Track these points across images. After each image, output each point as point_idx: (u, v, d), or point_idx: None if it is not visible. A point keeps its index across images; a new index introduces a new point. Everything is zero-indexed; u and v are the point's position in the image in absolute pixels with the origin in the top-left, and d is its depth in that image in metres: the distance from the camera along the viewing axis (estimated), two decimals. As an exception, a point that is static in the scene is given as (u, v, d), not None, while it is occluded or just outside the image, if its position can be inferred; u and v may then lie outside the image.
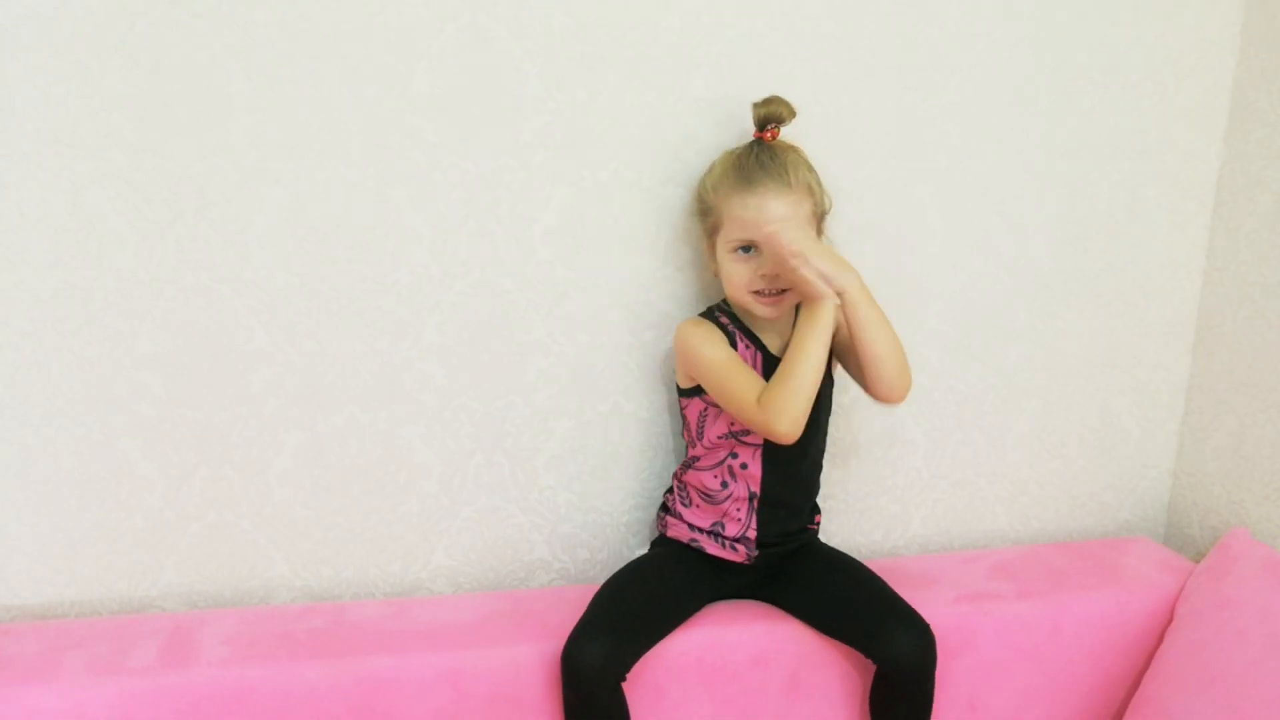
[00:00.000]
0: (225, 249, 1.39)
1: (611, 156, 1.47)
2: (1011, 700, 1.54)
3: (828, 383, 1.45)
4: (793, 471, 1.45)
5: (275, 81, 1.36)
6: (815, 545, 1.53)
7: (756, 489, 1.44)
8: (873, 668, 1.43)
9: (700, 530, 1.47)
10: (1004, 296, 1.68)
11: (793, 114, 1.40)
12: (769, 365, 1.42)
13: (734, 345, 1.42)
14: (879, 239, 1.60)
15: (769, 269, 1.35)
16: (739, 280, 1.38)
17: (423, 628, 1.41)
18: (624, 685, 1.33)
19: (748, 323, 1.44)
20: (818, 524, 1.54)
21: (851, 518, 1.69)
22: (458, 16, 1.39)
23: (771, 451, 1.42)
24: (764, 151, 1.38)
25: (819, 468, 1.51)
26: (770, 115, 1.39)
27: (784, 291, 1.38)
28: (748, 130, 1.48)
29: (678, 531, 1.49)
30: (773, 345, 1.44)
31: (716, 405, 1.42)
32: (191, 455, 1.45)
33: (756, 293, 1.38)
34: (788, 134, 1.42)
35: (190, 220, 1.38)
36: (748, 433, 1.42)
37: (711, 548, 1.46)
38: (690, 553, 1.48)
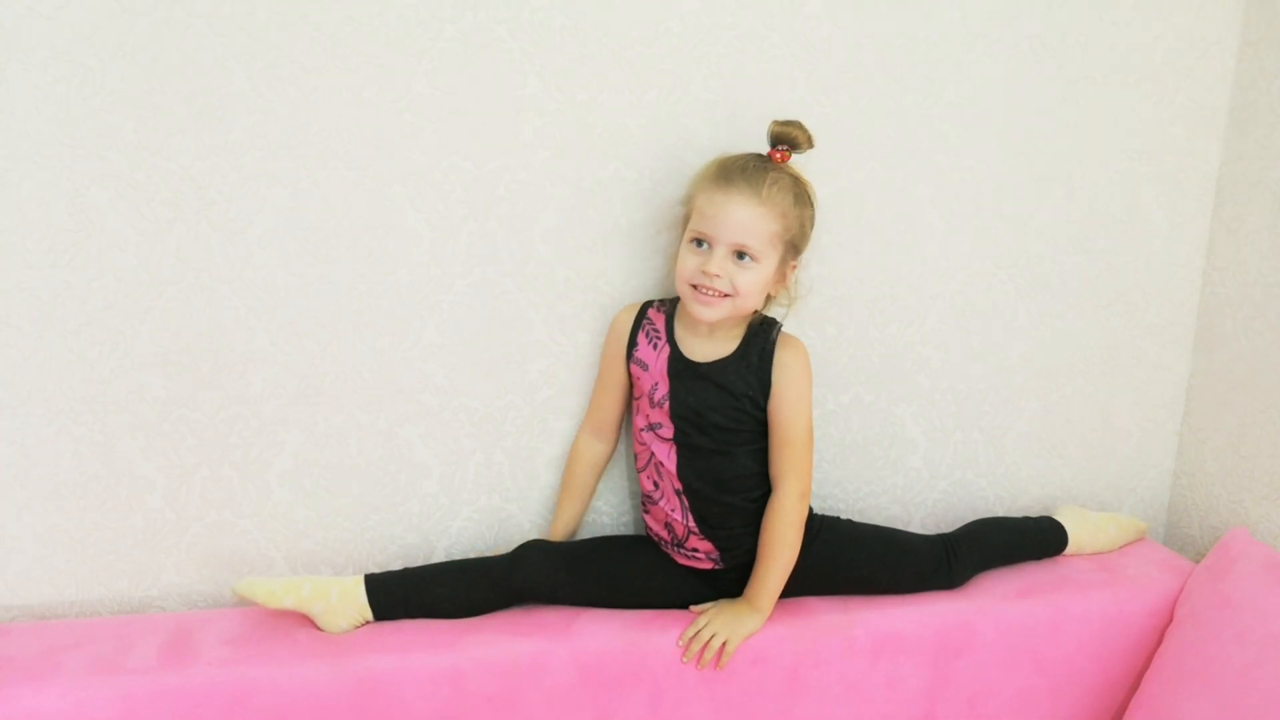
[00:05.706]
0: (225, 249, 1.39)
1: (611, 156, 1.47)
2: (1011, 700, 1.54)
3: (750, 420, 1.42)
4: (705, 463, 1.42)
5: (275, 81, 1.36)
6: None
7: (677, 483, 1.44)
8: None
9: (662, 540, 1.49)
10: (1004, 296, 1.68)
11: (810, 143, 1.39)
12: (675, 364, 1.42)
13: (634, 340, 1.45)
14: (879, 239, 1.60)
15: (712, 267, 1.35)
16: (684, 271, 1.38)
17: (423, 628, 1.41)
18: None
19: (678, 320, 1.45)
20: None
21: (851, 517, 1.69)
22: (458, 17, 1.39)
23: (684, 445, 1.42)
24: (759, 162, 1.37)
25: (741, 480, 1.44)
26: (781, 136, 1.38)
27: (724, 296, 1.36)
28: (746, 131, 1.48)
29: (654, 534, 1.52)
30: (693, 350, 1.43)
31: (634, 398, 1.47)
32: (191, 455, 1.45)
33: (695, 286, 1.37)
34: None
35: (190, 220, 1.38)
36: (661, 425, 1.43)
37: (680, 559, 1.48)
38: (666, 557, 1.50)
